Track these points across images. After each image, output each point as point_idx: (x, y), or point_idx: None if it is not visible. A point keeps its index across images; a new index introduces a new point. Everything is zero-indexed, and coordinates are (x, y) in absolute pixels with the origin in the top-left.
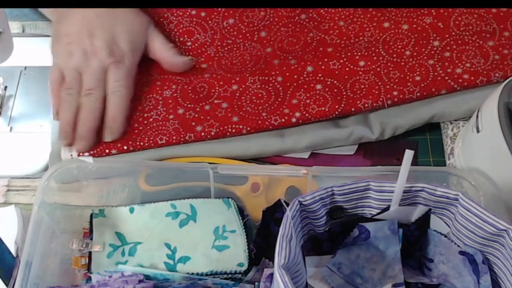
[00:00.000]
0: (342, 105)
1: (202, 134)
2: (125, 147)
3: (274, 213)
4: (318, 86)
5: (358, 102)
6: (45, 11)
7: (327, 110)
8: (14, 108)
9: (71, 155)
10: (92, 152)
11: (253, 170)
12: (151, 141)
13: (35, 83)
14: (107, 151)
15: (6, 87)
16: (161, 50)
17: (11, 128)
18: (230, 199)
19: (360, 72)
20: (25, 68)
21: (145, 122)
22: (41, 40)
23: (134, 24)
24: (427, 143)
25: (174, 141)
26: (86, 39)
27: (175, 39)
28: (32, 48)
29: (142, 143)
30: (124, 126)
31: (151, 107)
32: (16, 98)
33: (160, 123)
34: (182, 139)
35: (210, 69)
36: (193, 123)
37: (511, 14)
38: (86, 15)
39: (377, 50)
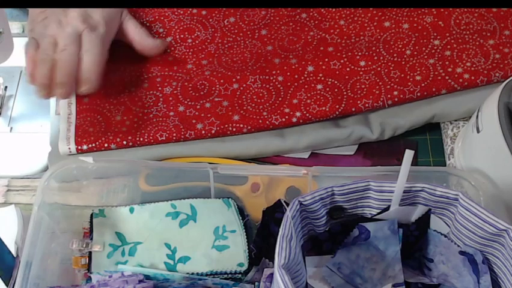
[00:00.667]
0: (343, 105)
1: (203, 132)
2: (124, 142)
3: (274, 213)
4: (319, 86)
5: (359, 102)
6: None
7: (327, 109)
8: (14, 108)
9: (69, 148)
10: (90, 146)
11: (253, 170)
12: (151, 137)
13: None
14: (106, 145)
15: (6, 87)
16: (133, 32)
17: (11, 128)
18: (230, 199)
19: (361, 72)
20: (25, 68)
21: (145, 117)
22: None
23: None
24: (427, 143)
25: (174, 138)
26: (60, 14)
27: (176, 36)
28: None
29: (141, 139)
30: (99, 81)
31: (151, 103)
32: (16, 98)
33: (160, 119)
34: (182, 136)
35: (210, 67)
36: (194, 121)
37: (511, 13)
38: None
39: (377, 50)
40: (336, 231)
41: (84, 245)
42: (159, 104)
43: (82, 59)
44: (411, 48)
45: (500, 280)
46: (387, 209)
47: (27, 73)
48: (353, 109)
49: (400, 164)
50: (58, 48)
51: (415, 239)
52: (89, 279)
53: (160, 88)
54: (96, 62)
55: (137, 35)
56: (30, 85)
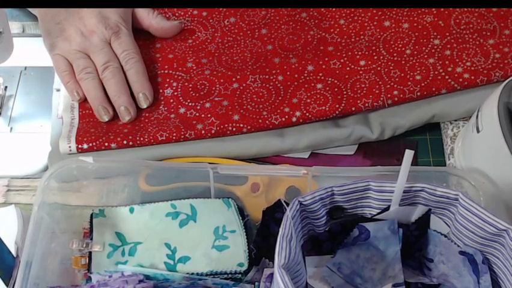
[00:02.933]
0: (343, 105)
1: (203, 132)
2: (124, 142)
3: (274, 213)
4: (319, 86)
5: (358, 101)
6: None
7: (327, 109)
8: (14, 108)
9: (70, 146)
10: (91, 145)
11: (253, 170)
12: (151, 137)
13: (35, 83)
14: (106, 144)
15: (6, 87)
16: (148, 17)
17: (11, 128)
18: (230, 199)
19: (361, 72)
20: (25, 68)
21: (146, 120)
22: (41, 40)
23: None
24: (427, 143)
25: (174, 138)
26: (77, 22)
27: (176, 37)
28: (32, 48)
29: (142, 139)
30: (152, 88)
31: (153, 107)
32: (16, 98)
33: (161, 121)
34: (182, 136)
35: (210, 66)
36: (194, 122)
37: (511, 13)
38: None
39: (377, 49)
40: (336, 231)
41: (84, 245)
42: (160, 107)
43: (127, 74)
44: (411, 48)
45: (500, 280)
46: (387, 209)
47: (70, 91)
48: (353, 109)
49: (400, 164)
50: (99, 67)
51: (415, 239)
52: (89, 279)
53: (161, 90)
54: (141, 72)
55: (153, 20)
56: (31, 87)
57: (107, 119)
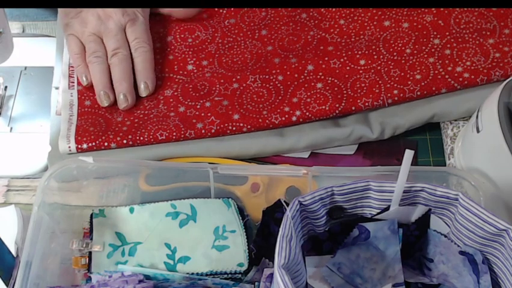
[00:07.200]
0: (343, 104)
1: (203, 131)
2: (124, 141)
3: (274, 213)
4: (319, 85)
5: (358, 101)
6: None
7: (327, 108)
8: (14, 108)
9: (69, 146)
10: (90, 145)
11: (253, 170)
12: (151, 137)
13: (35, 83)
14: (106, 144)
15: (6, 87)
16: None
17: (11, 128)
18: (230, 199)
19: (361, 71)
20: (25, 68)
21: (145, 118)
22: (41, 40)
23: None
24: (427, 143)
25: (174, 137)
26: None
27: (176, 36)
28: (32, 48)
29: (141, 138)
30: (155, 78)
31: (152, 105)
32: (16, 98)
33: (161, 119)
34: (182, 135)
35: (210, 68)
36: (194, 120)
37: (511, 12)
38: None
39: (377, 49)
40: (336, 231)
41: (84, 245)
42: (160, 106)
43: (134, 61)
44: (411, 47)
45: (500, 280)
46: (387, 209)
47: (79, 75)
48: (353, 108)
49: (400, 164)
50: (109, 52)
51: (415, 239)
52: (89, 279)
53: (161, 91)
54: (148, 61)
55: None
56: (31, 87)
57: (106, 104)
